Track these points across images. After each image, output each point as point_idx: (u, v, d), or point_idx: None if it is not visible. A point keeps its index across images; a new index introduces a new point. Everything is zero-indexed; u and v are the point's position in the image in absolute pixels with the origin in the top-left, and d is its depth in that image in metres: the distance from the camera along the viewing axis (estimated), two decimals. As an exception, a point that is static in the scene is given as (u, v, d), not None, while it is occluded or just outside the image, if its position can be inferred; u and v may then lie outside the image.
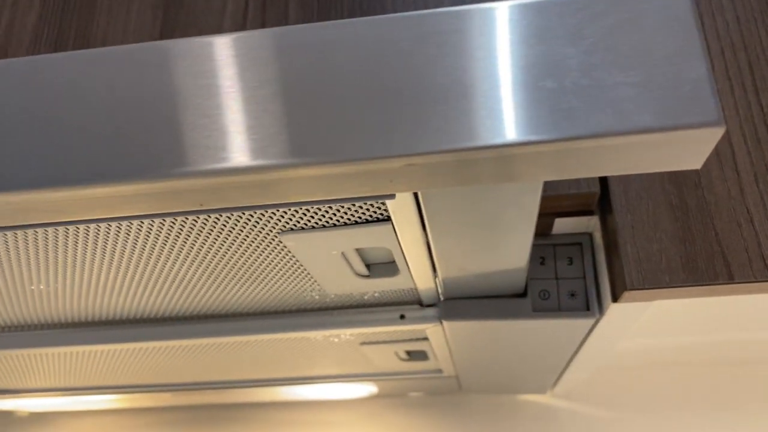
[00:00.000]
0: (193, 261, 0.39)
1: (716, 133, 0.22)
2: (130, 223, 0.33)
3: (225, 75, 0.26)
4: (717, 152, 0.43)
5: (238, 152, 0.24)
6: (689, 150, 0.23)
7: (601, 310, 0.47)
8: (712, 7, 0.46)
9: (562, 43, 0.24)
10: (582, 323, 0.47)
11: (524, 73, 0.23)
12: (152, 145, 0.25)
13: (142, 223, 0.33)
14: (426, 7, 0.49)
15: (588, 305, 0.47)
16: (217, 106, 0.25)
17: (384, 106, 0.24)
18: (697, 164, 0.24)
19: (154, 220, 0.33)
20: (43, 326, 0.57)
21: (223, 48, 0.26)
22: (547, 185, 0.43)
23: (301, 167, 0.24)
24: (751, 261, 0.40)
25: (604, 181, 0.44)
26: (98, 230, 0.34)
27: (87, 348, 0.59)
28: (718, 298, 0.56)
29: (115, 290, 0.46)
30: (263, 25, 0.51)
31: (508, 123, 0.23)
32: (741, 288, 0.40)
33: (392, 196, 0.29)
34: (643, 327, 0.68)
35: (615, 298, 0.43)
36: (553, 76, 0.23)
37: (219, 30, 0.52)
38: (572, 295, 0.47)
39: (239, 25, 0.52)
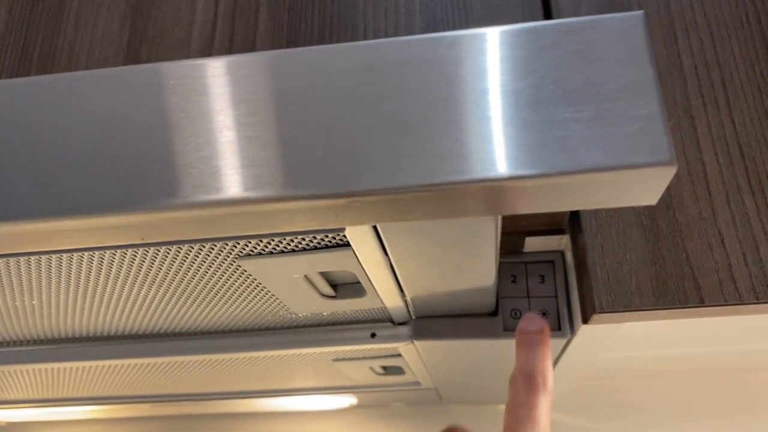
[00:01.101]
0: (152, 285, 0.38)
1: (668, 172, 0.21)
2: (92, 254, 0.32)
3: (172, 102, 0.25)
4: (689, 172, 0.42)
5: (178, 187, 0.23)
6: (641, 188, 0.23)
7: (573, 329, 0.46)
8: (686, 23, 0.45)
9: (511, 77, 0.23)
10: (554, 342, 0.47)
11: (470, 106, 0.23)
12: (92, 180, 0.24)
13: (102, 253, 0.33)
14: (396, 21, 0.49)
15: (559, 325, 0.46)
16: (162, 139, 0.24)
17: (326, 140, 0.23)
18: (652, 200, 0.24)
19: (106, 251, 0.32)
20: (18, 343, 0.56)
21: (175, 73, 0.25)
22: (517, 205, 0.42)
23: (242, 204, 0.23)
24: (722, 283, 0.39)
25: (575, 200, 0.43)
26: (60, 260, 0.33)
27: (61, 365, 0.58)
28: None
29: (84, 312, 0.45)
30: (232, 38, 0.50)
31: (450, 160, 0.22)
32: (711, 311, 0.40)
33: (342, 230, 0.28)
34: (621, 341, 0.68)
35: (585, 320, 0.42)
36: (501, 110, 0.22)
37: (188, 41, 0.51)
38: (544, 314, 0.46)
39: (208, 37, 0.51)
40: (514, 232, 0.45)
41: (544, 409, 0.36)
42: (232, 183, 0.23)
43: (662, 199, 0.42)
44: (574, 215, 0.43)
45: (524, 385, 0.37)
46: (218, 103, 0.24)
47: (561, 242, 0.46)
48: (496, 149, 0.22)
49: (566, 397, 0.87)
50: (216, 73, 0.25)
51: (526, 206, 0.24)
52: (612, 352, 0.73)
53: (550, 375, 0.37)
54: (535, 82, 0.23)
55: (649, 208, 0.42)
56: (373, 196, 0.22)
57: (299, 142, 0.23)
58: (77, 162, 0.24)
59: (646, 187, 0.22)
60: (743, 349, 0.72)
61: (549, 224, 0.44)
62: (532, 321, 0.40)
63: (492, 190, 0.22)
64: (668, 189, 0.42)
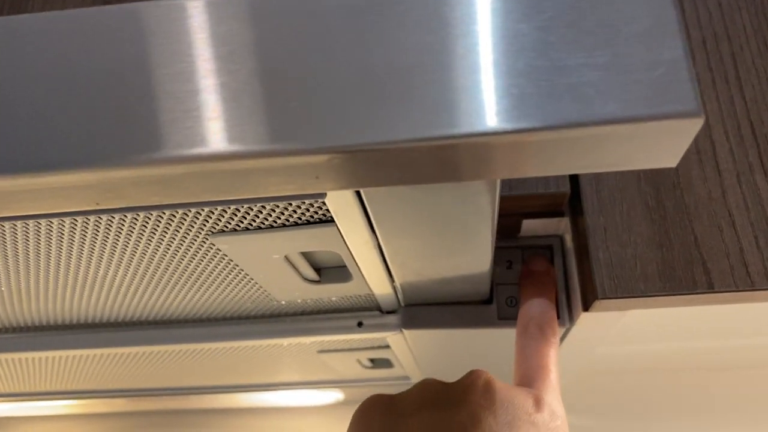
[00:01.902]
0: (119, 266, 0.35)
1: (694, 125, 0.19)
2: (50, 223, 0.29)
3: (141, 47, 0.22)
4: (697, 150, 0.40)
5: (132, 142, 0.20)
6: (663, 145, 0.20)
7: (572, 319, 0.43)
8: (693, -7, 0.43)
9: (515, 18, 0.20)
10: (551, 333, 0.44)
11: (468, 52, 0.20)
12: (43, 133, 0.21)
13: (60, 223, 0.30)
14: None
15: (558, 314, 0.43)
16: (122, 88, 0.21)
17: (305, 91, 0.20)
18: (672, 162, 0.21)
19: (64, 219, 0.29)
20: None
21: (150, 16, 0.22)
22: (514, 183, 0.40)
23: (207, 161, 0.20)
24: (732, 268, 0.37)
25: (574, 180, 0.40)
26: (14, 230, 0.30)
27: (28, 355, 0.55)
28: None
29: (49, 296, 0.42)
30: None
31: (444, 111, 0.19)
32: (721, 297, 0.37)
33: (323, 195, 0.25)
34: (620, 334, 0.65)
35: (586, 308, 0.39)
36: (503, 56, 0.20)
37: None
38: (541, 302, 0.44)
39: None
40: (511, 213, 0.42)
41: (554, 358, 0.37)
42: (197, 137, 0.20)
43: (669, 179, 0.39)
44: (575, 196, 0.40)
45: (535, 334, 0.37)
46: (190, 46, 0.21)
47: (560, 225, 0.43)
48: (497, 99, 0.19)
49: (562, 394, 0.85)
50: (193, 14, 0.22)
51: (530, 167, 0.21)
52: (609, 346, 0.71)
53: (556, 322, 0.39)
54: (543, 24, 0.20)
55: (655, 188, 0.39)
56: (357, 153, 0.19)
57: (276, 92, 0.20)
58: (29, 112, 0.21)
59: (668, 144, 0.20)
60: (745, 344, 0.70)
61: (548, 206, 0.41)
62: (539, 261, 0.40)
63: (492, 146, 0.19)
64: (675, 167, 0.39)
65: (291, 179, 0.21)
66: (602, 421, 0.84)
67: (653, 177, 0.39)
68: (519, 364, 0.37)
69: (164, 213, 0.28)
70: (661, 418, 0.83)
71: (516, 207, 0.41)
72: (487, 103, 0.19)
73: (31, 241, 0.31)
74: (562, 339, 0.48)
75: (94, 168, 0.20)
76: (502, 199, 0.40)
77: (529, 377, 0.35)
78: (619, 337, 0.67)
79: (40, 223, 0.29)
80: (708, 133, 0.40)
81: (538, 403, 0.32)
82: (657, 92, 0.19)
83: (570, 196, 0.41)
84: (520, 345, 0.38)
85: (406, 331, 0.45)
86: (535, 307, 0.40)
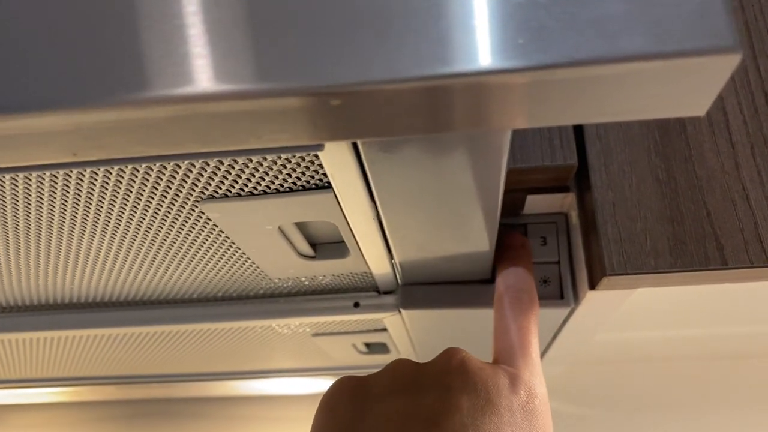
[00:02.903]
0: (104, 233, 0.33)
1: (730, 62, 0.17)
2: (27, 179, 0.28)
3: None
4: (710, 122, 0.38)
5: (111, 81, 0.18)
6: (694, 87, 0.18)
7: (577, 298, 0.42)
8: (706, -40, 0.41)
9: (533, -53, 0.18)
10: (555, 313, 0.42)
11: (483, -18, 0.18)
12: (12, 71, 0.19)
13: (39, 180, 0.28)
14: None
15: (562, 293, 0.42)
16: (94, 19, 0.19)
17: (304, 27, 0.18)
18: (700, 109, 0.19)
19: (44, 177, 0.27)
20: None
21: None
22: (519, 156, 0.38)
23: (192, 102, 0.18)
24: (747, 244, 0.35)
25: (582, 153, 0.38)
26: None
27: (18, 335, 0.53)
28: (706, 287, 0.51)
29: (31, 269, 0.40)
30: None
31: (460, 47, 0.17)
32: (735, 274, 0.35)
33: (320, 147, 0.23)
34: (621, 320, 0.64)
35: (593, 285, 0.38)
36: (520, -12, 0.18)
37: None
38: (545, 281, 0.42)
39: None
40: (515, 189, 0.40)
41: (533, 329, 0.35)
42: (183, 76, 0.18)
43: (680, 152, 0.37)
44: (582, 171, 0.39)
45: (513, 304, 0.36)
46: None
47: (565, 202, 0.42)
48: (514, 34, 0.17)
49: (556, 383, 0.83)
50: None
51: (548, 112, 0.19)
52: (608, 333, 0.70)
53: (535, 292, 0.37)
54: (563, -47, 0.18)
55: (666, 162, 0.37)
56: (365, 93, 0.18)
57: (271, 29, 0.19)
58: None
59: (699, 86, 0.18)
60: (747, 332, 0.68)
61: (554, 180, 0.39)
62: (514, 237, 0.41)
63: (508, 85, 0.18)
64: (687, 140, 0.38)
65: (286, 125, 0.19)
66: (598, 411, 0.82)
67: (664, 150, 0.38)
68: (497, 338, 0.35)
69: (150, 172, 0.26)
70: (657, 408, 0.81)
71: (521, 181, 0.39)
72: (503, 39, 0.17)
73: (8, 201, 0.30)
74: (565, 321, 0.46)
75: (70, 109, 0.19)
76: (507, 172, 0.38)
77: (507, 353, 0.33)
78: (619, 324, 0.65)
79: (16, 180, 0.27)
80: (721, 105, 0.38)
81: (514, 383, 0.30)
82: (689, 26, 0.17)
83: (577, 171, 0.39)
84: (497, 317, 0.36)
85: (404, 312, 0.44)
86: (512, 276, 0.38)
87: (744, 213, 0.36)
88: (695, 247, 0.35)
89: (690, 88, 0.18)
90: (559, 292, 0.42)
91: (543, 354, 0.59)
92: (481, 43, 0.17)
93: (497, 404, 0.29)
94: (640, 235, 0.36)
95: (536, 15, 0.17)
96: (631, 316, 0.61)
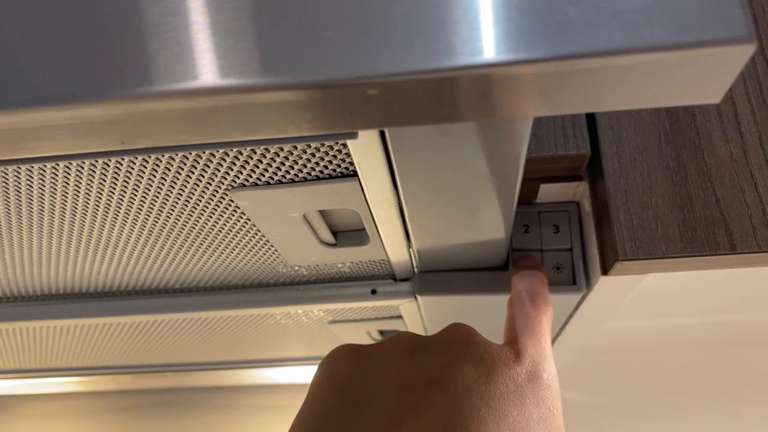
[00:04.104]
0: (135, 221, 0.35)
1: (745, 52, 0.18)
2: (67, 168, 0.29)
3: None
4: (718, 112, 0.39)
5: (159, 73, 0.20)
6: (710, 75, 0.19)
7: (589, 284, 0.43)
8: (714, -46, 0.42)
9: (559, -56, 0.19)
10: (568, 298, 0.44)
11: (511, -22, 0.19)
12: (55, 65, 0.20)
13: (79, 167, 0.29)
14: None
15: (575, 279, 0.43)
16: (140, 18, 0.20)
17: (342, 17, 0.20)
18: (716, 97, 0.20)
19: (83, 165, 0.28)
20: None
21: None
22: (534, 146, 0.39)
23: (237, 93, 0.20)
24: (755, 229, 0.36)
25: (594, 142, 0.40)
26: (30, 175, 0.30)
27: (39, 324, 0.54)
28: (712, 275, 0.53)
29: (53, 257, 0.41)
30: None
31: (491, 38, 0.19)
32: (744, 259, 0.37)
33: (354, 135, 0.25)
34: (630, 308, 0.65)
35: (605, 271, 0.39)
36: (546, -16, 0.19)
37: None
38: (557, 268, 0.43)
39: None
40: (529, 178, 0.41)
41: (546, 325, 0.35)
42: (228, 68, 0.20)
43: (690, 141, 0.39)
44: (594, 159, 0.40)
45: (528, 302, 0.36)
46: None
47: (577, 191, 0.43)
48: (540, 26, 0.19)
49: (565, 372, 0.84)
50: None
51: (573, 100, 0.20)
52: (617, 321, 0.71)
53: (549, 298, 0.37)
54: (587, -50, 0.19)
55: (676, 150, 0.38)
56: (397, 81, 0.19)
57: (310, 22, 0.20)
58: (52, 41, 0.21)
59: (716, 74, 0.19)
60: (755, 319, 0.70)
61: (567, 169, 0.41)
62: (530, 260, 0.41)
63: (537, 75, 0.19)
64: (696, 129, 0.39)
65: (325, 114, 0.21)
66: (606, 399, 0.84)
67: (674, 139, 0.39)
68: (507, 325, 0.36)
69: (186, 160, 0.27)
70: (665, 397, 0.83)
71: (535, 171, 0.41)
72: (531, 30, 0.18)
73: (46, 190, 0.31)
74: (578, 307, 0.48)
75: (121, 100, 0.20)
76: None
77: (515, 336, 0.34)
78: (628, 312, 0.67)
79: (57, 169, 0.28)
80: (729, 96, 0.39)
81: (519, 356, 0.30)
82: (707, 18, 0.18)
83: (589, 161, 0.40)
84: (510, 315, 0.37)
85: (420, 298, 0.45)
86: (527, 279, 0.39)
87: (752, 200, 0.37)
88: (705, 233, 0.37)
89: (706, 76, 0.19)
90: (571, 278, 0.43)
91: (553, 341, 0.60)
92: (512, 35, 0.18)
93: (502, 374, 0.29)
94: (652, 222, 0.37)
95: (563, 9, 0.19)
96: (640, 304, 0.62)
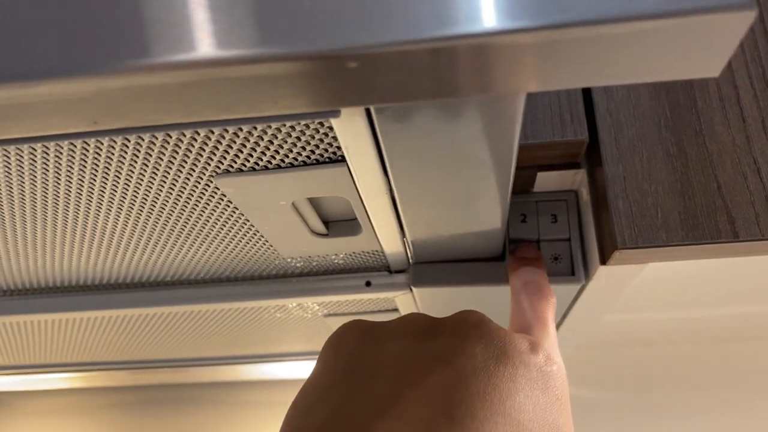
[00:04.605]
0: (119, 211, 0.34)
1: (745, 20, 0.17)
2: (45, 150, 0.28)
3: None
4: (720, 96, 0.38)
5: (125, 50, 0.19)
6: (708, 46, 0.18)
7: (588, 274, 0.42)
8: (715, -66, 0.41)
9: None
10: (566, 289, 0.43)
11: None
12: (23, 39, 0.19)
13: (57, 150, 0.28)
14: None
15: (573, 270, 0.42)
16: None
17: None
18: (715, 70, 0.19)
19: (61, 148, 0.27)
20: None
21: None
22: (530, 132, 0.38)
23: (209, 66, 0.19)
24: (758, 216, 0.35)
25: (592, 129, 0.39)
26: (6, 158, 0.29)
27: (26, 318, 0.53)
28: (712, 266, 0.51)
29: (46, 249, 0.40)
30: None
31: (478, 8, 0.18)
32: (747, 247, 0.36)
33: (336, 113, 0.24)
34: (629, 302, 0.64)
35: (604, 260, 0.38)
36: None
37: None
38: (556, 258, 0.42)
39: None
40: (526, 166, 0.40)
41: (551, 314, 0.35)
42: (196, 41, 0.19)
43: (691, 126, 0.38)
44: (592, 146, 0.39)
45: (531, 295, 0.36)
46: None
47: (575, 179, 0.42)
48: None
49: (567, 366, 0.83)
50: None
51: (563, 74, 0.19)
52: (617, 314, 0.70)
53: (551, 290, 0.37)
54: None
55: (676, 136, 0.37)
56: (379, 53, 0.18)
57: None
58: (19, 15, 0.20)
59: (714, 45, 0.18)
60: (757, 311, 0.69)
61: (565, 156, 0.40)
62: (529, 248, 0.41)
63: (524, 46, 0.18)
64: (697, 114, 0.38)
65: (303, 90, 0.20)
66: (604, 393, 0.83)
67: (674, 124, 0.38)
68: (515, 317, 0.36)
69: (167, 143, 0.26)
70: (663, 391, 0.82)
71: (532, 158, 0.40)
72: (519, -2, 0.17)
73: (26, 175, 0.30)
74: (576, 298, 0.47)
75: (91, 76, 0.19)
76: (518, 149, 0.38)
77: (525, 327, 0.33)
78: (627, 305, 0.66)
79: (35, 151, 0.28)
80: (731, 79, 0.38)
81: (534, 346, 0.29)
82: (704, -16, 0.17)
83: (587, 147, 0.39)
84: (515, 306, 0.37)
85: (415, 290, 0.44)
86: (528, 273, 0.38)
87: (755, 186, 0.36)
88: (706, 221, 0.35)
89: (704, 46, 0.18)
90: (570, 268, 0.42)
91: (553, 334, 0.59)
92: (502, 4, 0.17)
93: (513, 358, 0.28)
94: (652, 209, 0.36)
95: (551, -25, 0.18)
96: (640, 297, 0.61)
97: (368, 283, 0.46)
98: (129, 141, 0.26)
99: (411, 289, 0.45)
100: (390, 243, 0.40)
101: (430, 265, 0.44)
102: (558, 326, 0.56)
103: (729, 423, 0.78)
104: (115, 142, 0.26)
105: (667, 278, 0.55)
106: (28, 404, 0.92)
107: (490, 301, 0.44)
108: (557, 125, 0.38)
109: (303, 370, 0.77)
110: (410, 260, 0.44)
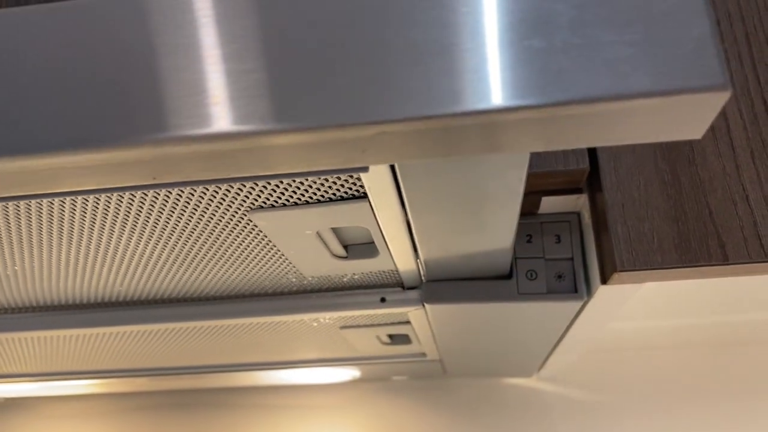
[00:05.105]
0: (159, 239, 0.37)
1: (721, 98, 0.20)
2: (96, 199, 0.31)
3: (188, 28, 0.23)
4: (712, 127, 0.41)
5: (189, 118, 0.22)
6: (691, 117, 0.21)
7: (590, 292, 0.45)
8: (708, -26, 0.44)
9: (552, -2, 0.21)
10: (569, 306, 0.45)
11: (509, 30, 0.21)
12: (93, 110, 0.22)
13: (107, 199, 0.31)
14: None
15: (576, 287, 0.45)
16: (171, 64, 0.22)
17: (353, 66, 0.22)
18: (698, 133, 0.22)
19: (111, 195, 0.30)
20: (16, 310, 0.54)
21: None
22: (535, 161, 0.41)
23: (261, 135, 0.22)
24: (746, 241, 0.38)
25: (593, 157, 0.41)
26: (62, 206, 0.32)
27: (61, 332, 0.56)
28: (711, 279, 0.54)
29: (79, 271, 0.43)
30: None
31: (492, 86, 0.21)
32: (736, 269, 0.38)
33: (365, 169, 0.27)
34: (633, 310, 0.67)
35: (604, 280, 0.41)
36: (541, 35, 0.21)
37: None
38: (559, 276, 0.45)
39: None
40: (531, 191, 0.43)
41: None
42: (251, 114, 0.22)
43: (684, 155, 0.40)
44: (593, 174, 0.42)
45: None
46: (245, 29, 0.23)
47: (578, 202, 0.45)
48: (537, 74, 0.20)
49: (571, 371, 0.86)
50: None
51: (566, 139, 0.22)
52: (620, 322, 0.73)
53: None
54: (577, 3, 0.21)
55: (671, 164, 0.40)
56: (409, 123, 0.21)
57: (323, 69, 0.22)
58: (71, 93, 0.23)
59: (695, 116, 0.21)
60: (754, 318, 0.71)
61: (567, 182, 0.42)
62: None
63: (533, 119, 0.21)
64: (690, 144, 0.41)
65: (338, 153, 0.23)
66: (610, 397, 0.85)
67: (669, 153, 0.40)
68: None
69: (208, 188, 0.29)
70: (668, 395, 0.84)
71: (537, 184, 0.42)
72: (527, 78, 0.20)
73: (87, 217, 0.33)
74: (579, 313, 0.49)
75: (153, 144, 0.22)
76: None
77: None
78: (629, 314, 0.68)
79: (87, 199, 0.30)
80: (722, 112, 0.41)
81: None
82: (687, 67, 0.20)
83: (588, 174, 0.42)
84: None
85: (427, 306, 0.47)
86: None
87: (744, 212, 0.39)
88: (698, 245, 0.38)
89: (687, 117, 0.21)
90: (573, 286, 0.45)
91: (558, 343, 0.62)
92: (511, 83, 0.20)
93: None
94: (648, 234, 0.39)
95: (556, 59, 0.21)
96: (642, 306, 0.64)
97: (383, 300, 0.49)
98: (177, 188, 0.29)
99: (423, 305, 0.48)
100: (404, 263, 0.43)
101: (441, 283, 0.47)
102: (562, 337, 0.59)
103: (730, 426, 0.81)
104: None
105: (665, 291, 0.58)
106: (52, 408, 0.96)
107: (498, 317, 0.47)
108: (560, 154, 0.41)
109: (317, 376, 0.80)
110: (423, 278, 0.47)
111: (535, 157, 0.41)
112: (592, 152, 0.41)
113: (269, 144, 0.22)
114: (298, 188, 0.31)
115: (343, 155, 0.23)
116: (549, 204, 0.45)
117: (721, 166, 0.40)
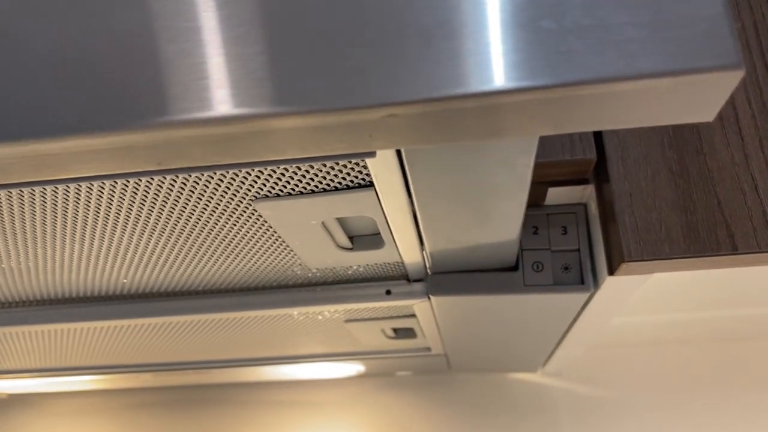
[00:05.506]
0: (164, 229, 0.37)
1: (735, 77, 0.20)
2: (101, 186, 0.31)
3: (192, 12, 0.23)
4: (720, 116, 0.40)
5: (195, 102, 0.21)
6: (703, 98, 0.21)
7: (596, 283, 0.44)
8: (715, -38, 0.43)
9: (562, -22, 0.21)
10: (576, 297, 0.45)
11: (519, 11, 0.21)
12: (99, 96, 0.22)
13: (103, 185, 0.31)
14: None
15: (582, 279, 0.44)
16: (176, 49, 0.22)
17: (360, 49, 0.21)
18: (709, 116, 0.22)
19: (116, 182, 0.30)
20: (20, 304, 0.54)
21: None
22: (541, 152, 0.41)
23: (268, 118, 0.21)
24: (755, 230, 0.38)
25: (600, 147, 0.41)
26: (55, 195, 0.32)
27: (64, 326, 0.56)
28: (718, 271, 0.54)
29: (83, 263, 0.43)
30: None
31: (501, 67, 0.20)
32: (745, 259, 0.38)
33: (372, 154, 0.26)
34: (638, 304, 0.66)
35: (611, 271, 0.41)
36: (551, 16, 0.21)
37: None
38: (566, 268, 0.45)
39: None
40: (537, 182, 0.43)
41: None
42: (257, 97, 0.21)
43: (692, 144, 0.40)
44: (600, 164, 0.41)
45: None
46: (247, 10, 0.23)
47: (584, 193, 0.44)
48: (545, 56, 0.20)
49: (576, 366, 0.86)
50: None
51: (576, 121, 0.22)
52: (625, 317, 0.72)
53: None
54: (588, -16, 0.21)
55: (679, 154, 0.40)
56: (418, 105, 0.20)
57: (329, 52, 0.21)
58: (95, 72, 0.22)
59: (708, 98, 0.21)
60: (760, 312, 0.71)
61: (574, 173, 0.42)
62: None
63: (542, 100, 0.21)
64: (698, 133, 0.40)
65: (346, 136, 0.22)
66: (616, 392, 0.85)
67: (677, 143, 0.40)
68: None
69: (214, 175, 0.29)
70: (673, 389, 0.84)
71: (543, 175, 0.42)
72: (538, 59, 0.20)
73: (81, 203, 0.33)
74: (585, 305, 0.49)
75: (159, 128, 0.22)
76: (529, 166, 0.41)
77: None
78: (635, 308, 0.68)
79: (91, 187, 0.30)
80: (730, 101, 0.41)
81: None
82: (699, 47, 0.20)
83: (595, 164, 0.42)
84: None
85: (433, 298, 0.47)
86: None
87: (753, 201, 0.38)
88: (707, 234, 0.38)
89: (699, 98, 0.21)
90: (579, 277, 0.45)
91: (564, 337, 0.62)
92: (519, 65, 0.20)
93: None
94: (656, 224, 0.39)
95: (566, 40, 0.20)
96: (647, 300, 0.63)
97: (388, 292, 0.48)
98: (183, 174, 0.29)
99: (429, 298, 0.47)
100: (410, 255, 0.43)
101: (446, 275, 0.46)
102: (568, 331, 0.59)
103: (736, 421, 0.81)
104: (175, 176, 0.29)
105: (673, 283, 0.57)
106: (55, 404, 0.96)
107: (504, 309, 0.47)
108: (567, 144, 0.41)
109: (321, 371, 0.80)
110: (428, 270, 0.47)
111: (542, 148, 0.41)
112: (599, 142, 0.41)
113: (275, 127, 0.22)
114: (304, 176, 0.31)
115: (351, 139, 0.23)
116: (555, 195, 0.45)
117: (730, 156, 0.39)
